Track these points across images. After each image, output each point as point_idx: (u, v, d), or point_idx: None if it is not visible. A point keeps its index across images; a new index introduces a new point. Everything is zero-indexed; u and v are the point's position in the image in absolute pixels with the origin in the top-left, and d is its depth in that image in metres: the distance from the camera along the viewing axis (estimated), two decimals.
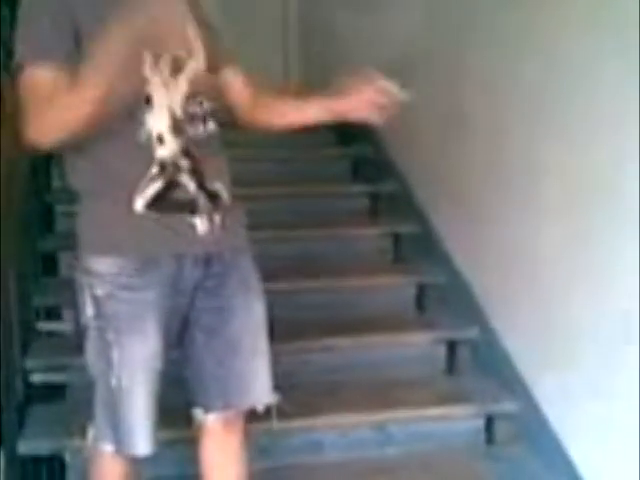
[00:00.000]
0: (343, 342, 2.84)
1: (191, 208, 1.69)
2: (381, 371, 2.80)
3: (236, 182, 3.45)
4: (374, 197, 3.64)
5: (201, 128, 1.71)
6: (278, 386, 2.58)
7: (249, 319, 1.81)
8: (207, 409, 1.84)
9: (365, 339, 2.88)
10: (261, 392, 1.84)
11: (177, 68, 1.68)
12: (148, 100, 1.64)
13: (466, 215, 3.00)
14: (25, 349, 2.58)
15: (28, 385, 2.55)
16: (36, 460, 2.36)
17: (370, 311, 3.03)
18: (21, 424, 2.42)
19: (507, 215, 2.70)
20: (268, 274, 2.90)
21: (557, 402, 2.47)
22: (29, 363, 2.56)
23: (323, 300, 3.03)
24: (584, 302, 2.29)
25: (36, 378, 2.56)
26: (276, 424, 1.91)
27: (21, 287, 2.53)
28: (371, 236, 3.43)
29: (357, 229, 3.46)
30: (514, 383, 2.65)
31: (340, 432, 2.54)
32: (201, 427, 1.87)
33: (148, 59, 1.64)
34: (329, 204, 3.56)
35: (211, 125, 1.74)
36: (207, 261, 1.73)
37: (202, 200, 1.70)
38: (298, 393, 2.63)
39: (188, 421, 1.87)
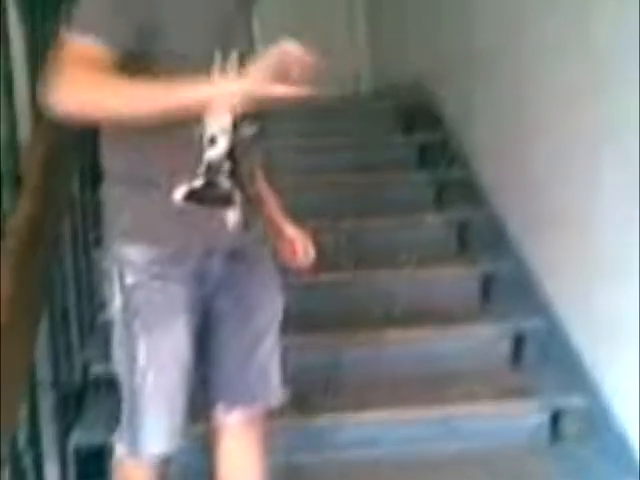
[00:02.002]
0: (405, 335, 2.77)
1: (226, 202, 1.67)
2: (443, 364, 2.72)
3: (299, 171, 3.46)
4: (439, 185, 3.54)
5: (248, 129, 1.68)
6: (336, 378, 2.58)
7: (273, 312, 1.79)
8: (231, 406, 1.80)
9: (428, 331, 2.81)
10: (278, 388, 1.82)
11: (242, 66, 1.62)
12: None
13: (534, 203, 2.88)
14: (84, 339, 2.60)
15: (86, 376, 2.56)
16: (84, 451, 2.36)
17: (434, 302, 2.95)
18: (79, 415, 2.44)
19: (574, 204, 2.58)
20: (327, 264, 2.91)
21: (626, 399, 2.35)
22: (88, 354, 2.57)
23: (384, 291, 2.97)
24: None
25: (95, 369, 2.57)
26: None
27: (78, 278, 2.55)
28: (435, 224, 3.33)
29: (420, 217, 3.37)
30: (582, 378, 2.53)
31: (396, 427, 2.47)
32: (221, 426, 1.83)
33: (218, 58, 1.60)
34: (394, 192, 3.48)
35: (255, 125, 1.70)
36: (232, 254, 1.70)
37: (237, 196, 1.68)
38: (357, 386, 2.60)
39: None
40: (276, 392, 1.82)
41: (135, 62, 1.51)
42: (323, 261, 2.80)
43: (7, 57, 1.99)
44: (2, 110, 1.92)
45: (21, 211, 1.85)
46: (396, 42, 4.49)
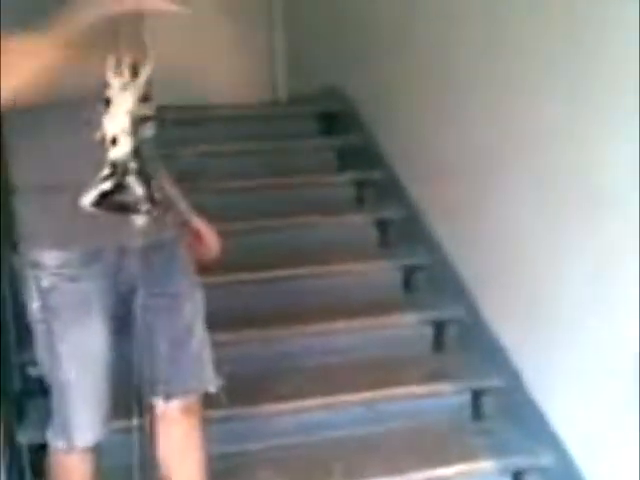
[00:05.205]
0: (334, 326, 2.91)
1: (135, 209, 1.71)
2: (371, 352, 2.87)
3: (223, 176, 3.54)
4: (360, 185, 3.69)
5: (148, 130, 1.78)
6: (273, 369, 2.69)
7: (196, 304, 1.89)
8: (169, 396, 1.90)
9: (355, 322, 2.94)
10: (211, 375, 1.93)
11: (135, 71, 1.74)
12: (107, 103, 1.69)
13: (451, 198, 3.05)
14: (21, 343, 2.64)
15: (25, 378, 2.60)
16: (36, 449, 2.41)
17: (359, 295, 3.09)
18: (20, 416, 2.48)
19: (490, 197, 2.76)
20: (257, 263, 3.03)
21: (541, 378, 2.53)
22: (25, 356, 2.61)
23: (313, 286, 3.10)
24: (569, 279, 2.35)
25: (32, 371, 2.61)
26: (226, 405, 2.00)
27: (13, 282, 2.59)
28: (357, 223, 3.48)
29: (343, 216, 3.51)
30: (500, 360, 2.71)
31: (330, 411, 2.61)
32: (161, 415, 1.93)
33: (111, 63, 1.70)
34: (315, 193, 3.59)
35: (153, 126, 1.80)
36: (147, 251, 1.76)
37: (145, 202, 1.70)
38: (290, 376, 2.72)
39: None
40: (211, 379, 1.93)
41: None
42: (248, 260, 2.98)
43: None
44: None
45: None
46: (312, 48, 4.62)
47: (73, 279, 1.72)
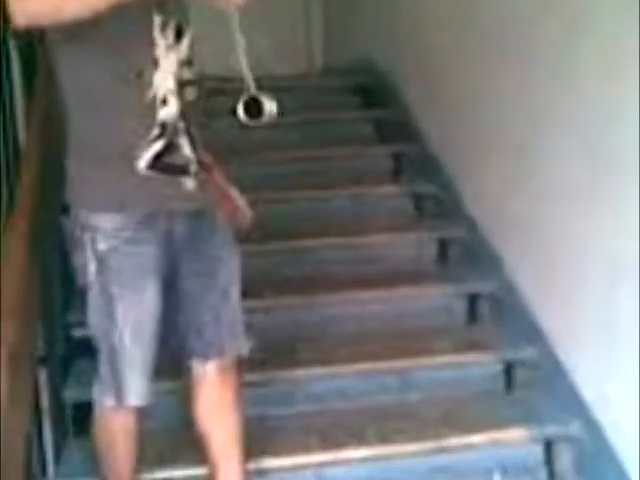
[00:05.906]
0: (368, 294, 2.96)
1: (185, 170, 1.81)
2: (403, 322, 2.91)
3: (263, 146, 3.59)
4: (397, 158, 3.72)
5: (192, 93, 1.83)
6: (308, 335, 2.75)
7: (234, 268, 1.95)
8: (205, 357, 1.96)
9: (388, 292, 3.00)
10: (244, 338, 1.99)
11: (178, 34, 1.79)
12: (155, 62, 1.75)
13: (487, 173, 3.08)
14: (67, 304, 2.72)
15: (69, 339, 2.69)
16: (79, 407, 2.50)
17: (394, 265, 3.14)
18: (65, 375, 2.57)
19: (526, 173, 2.78)
20: (294, 232, 3.10)
21: (572, 350, 2.56)
22: (70, 318, 2.70)
23: (348, 255, 3.16)
24: (599, 251, 2.38)
25: (77, 333, 2.69)
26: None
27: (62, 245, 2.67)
28: (393, 195, 3.52)
29: (380, 188, 3.55)
30: (532, 332, 2.74)
31: (363, 379, 2.66)
32: (199, 378, 1.99)
33: (158, 23, 1.76)
34: (353, 165, 3.64)
35: (196, 91, 1.85)
36: (192, 216, 1.85)
37: (194, 163, 1.83)
38: (325, 343, 2.79)
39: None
40: (244, 342, 1.99)
41: None
42: (285, 229, 3.05)
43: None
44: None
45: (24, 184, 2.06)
46: (347, 20, 4.63)
47: (130, 242, 1.78)
